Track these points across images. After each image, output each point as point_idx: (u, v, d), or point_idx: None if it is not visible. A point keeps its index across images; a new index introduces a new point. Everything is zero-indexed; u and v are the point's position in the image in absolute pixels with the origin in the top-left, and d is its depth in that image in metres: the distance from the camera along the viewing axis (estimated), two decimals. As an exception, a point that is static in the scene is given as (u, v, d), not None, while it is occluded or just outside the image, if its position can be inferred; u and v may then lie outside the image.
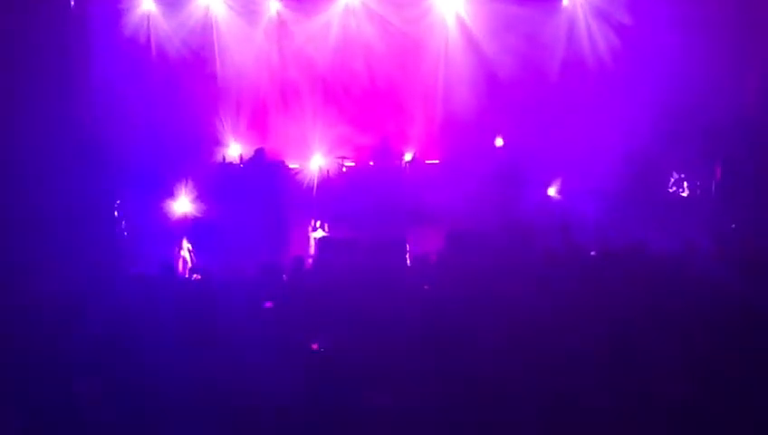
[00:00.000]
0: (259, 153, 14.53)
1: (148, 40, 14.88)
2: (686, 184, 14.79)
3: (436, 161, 15.44)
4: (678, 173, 14.85)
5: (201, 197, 13.73)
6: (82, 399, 6.63)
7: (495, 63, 15.22)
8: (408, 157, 15.28)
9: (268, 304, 8.74)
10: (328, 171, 14.87)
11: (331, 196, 14.62)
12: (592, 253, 11.25)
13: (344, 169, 15.13)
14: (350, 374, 7.17)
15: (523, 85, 15.24)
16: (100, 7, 14.02)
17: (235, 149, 15.25)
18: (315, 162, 15.02)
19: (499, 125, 15.48)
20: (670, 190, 14.91)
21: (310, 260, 12.61)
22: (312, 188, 14.67)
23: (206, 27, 15.09)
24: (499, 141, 15.62)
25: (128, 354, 7.44)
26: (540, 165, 14.76)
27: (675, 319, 7.99)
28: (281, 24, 15.29)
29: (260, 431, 6.04)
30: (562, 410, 6.29)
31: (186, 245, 13.21)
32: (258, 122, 15.44)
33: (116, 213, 13.54)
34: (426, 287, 9.64)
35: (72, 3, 13.49)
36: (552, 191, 14.86)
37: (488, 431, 6.13)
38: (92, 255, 11.52)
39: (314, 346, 7.97)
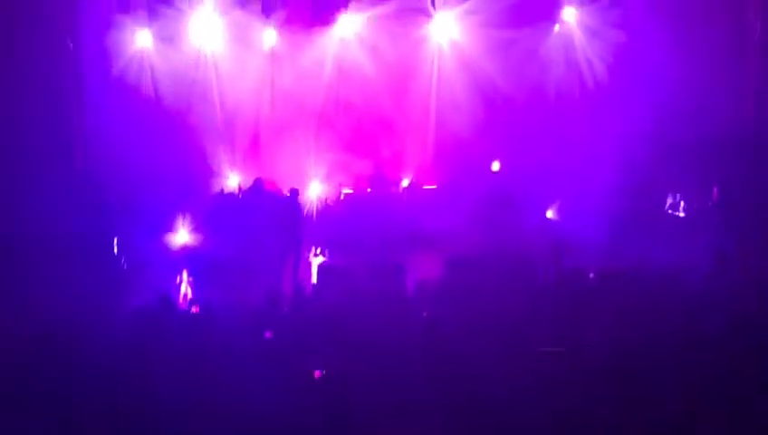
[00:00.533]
0: (257, 183, 14.57)
1: (145, 76, 14.94)
2: (682, 204, 14.81)
3: (434, 187, 15.47)
4: (675, 194, 14.87)
5: (200, 228, 13.75)
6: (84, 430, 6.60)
7: (490, 88, 15.33)
8: (405, 183, 15.32)
9: (268, 335, 8.71)
10: (326, 199, 14.90)
11: (330, 223, 14.62)
12: (591, 275, 11.28)
13: (342, 197, 15.17)
14: (352, 402, 7.16)
15: (518, 108, 15.37)
16: (96, 45, 14.10)
17: (233, 180, 15.30)
18: (313, 190, 15.05)
19: (495, 149, 15.54)
20: (668, 211, 14.93)
21: (309, 287, 12.62)
22: (311, 215, 14.67)
23: (203, 61, 15.16)
24: (495, 166, 15.66)
25: (127, 386, 7.42)
26: (537, 187, 14.81)
27: (674, 340, 7.99)
28: (277, 55, 15.39)
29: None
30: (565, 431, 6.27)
31: (185, 276, 13.21)
32: (256, 152, 15.50)
33: (115, 247, 13.55)
34: (425, 314, 9.63)
35: (70, 44, 13.58)
36: (550, 214, 14.89)
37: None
38: (92, 288, 11.52)
39: (317, 374, 7.96)
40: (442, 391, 7.25)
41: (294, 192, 13.84)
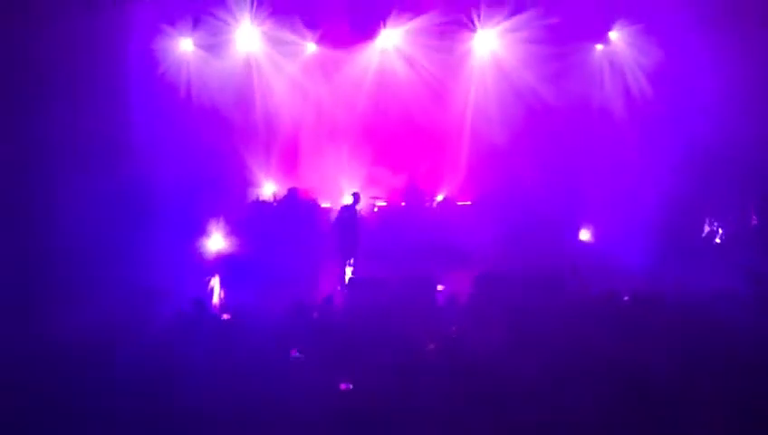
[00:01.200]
0: (292, 192, 14.67)
1: (187, 84, 15.14)
2: (720, 230, 14.60)
3: (468, 203, 15.43)
4: (713, 217, 14.68)
5: (234, 235, 13.87)
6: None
7: (531, 103, 15.26)
8: (439, 198, 15.30)
9: (294, 353, 8.71)
10: (360, 211, 14.92)
11: (363, 235, 14.64)
12: (625, 298, 11.15)
13: (376, 210, 15.19)
14: (377, 416, 7.15)
15: (559, 125, 15.25)
16: (142, 53, 14.32)
17: (269, 188, 15.41)
18: (347, 202, 15.10)
19: (532, 166, 15.46)
20: (706, 236, 14.74)
21: (340, 299, 12.64)
22: (344, 227, 14.70)
23: (245, 69, 15.33)
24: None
25: (160, 390, 7.49)
26: (571, 208, 14.71)
27: (709, 365, 7.87)
28: (318, 66, 15.52)
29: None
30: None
31: (217, 282, 13.32)
32: (292, 162, 15.61)
33: (151, 250, 13.71)
34: (453, 329, 9.60)
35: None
36: (584, 235, 14.78)
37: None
38: (128, 294, 11.67)
39: (343, 386, 7.97)
40: (469, 407, 7.20)
41: (312, 202, 14.01)
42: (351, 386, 8.01)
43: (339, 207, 14.48)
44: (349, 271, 13.99)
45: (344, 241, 13.94)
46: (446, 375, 7.89)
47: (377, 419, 7.14)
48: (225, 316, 11.28)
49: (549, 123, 15.25)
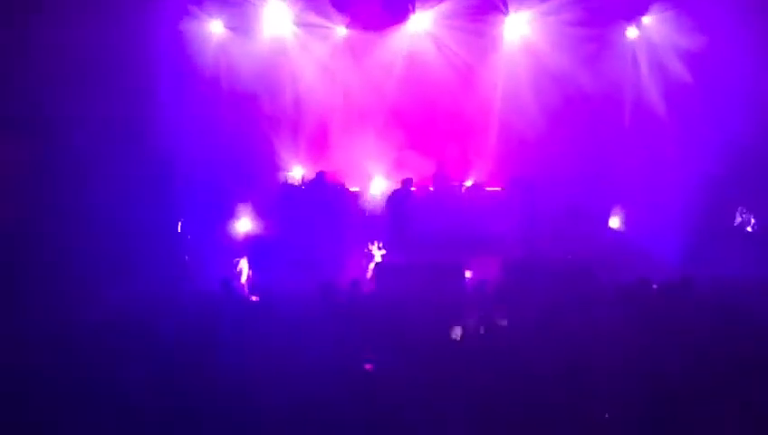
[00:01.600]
0: (320, 176, 14.70)
1: (216, 66, 15.16)
2: (752, 219, 14.42)
3: (498, 188, 15.34)
4: (745, 207, 14.49)
5: (263, 217, 13.94)
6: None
7: (562, 89, 15.08)
8: (468, 183, 15.23)
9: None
10: (388, 196, 14.90)
11: (391, 220, 14.64)
12: (654, 286, 11.06)
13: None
14: (402, 398, 7.18)
15: (592, 111, 15.09)
16: (170, 35, 14.35)
17: (297, 171, 15.45)
18: (376, 186, 15.11)
19: (563, 154, 15.32)
20: (735, 224, 14.56)
21: (367, 283, 12.68)
22: (373, 211, 14.73)
23: (274, 52, 15.31)
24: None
25: (187, 366, 7.57)
26: (603, 195, 14.59)
27: (738, 359, 7.78)
28: (347, 49, 15.47)
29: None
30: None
31: (246, 264, 13.41)
32: (321, 145, 15.60)
33: (180, 230, 13.85)
34: (480, 316, 9.57)
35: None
36: (614, 222, 14.66)
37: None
38: (157, 274, 11.80)
39: (368, 367, 8.00)
40: (492, 394, 7.20)
41: (340, 185, 14.05)
42: (375, 367, 8.03)
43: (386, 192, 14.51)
44: (378, 255, 14.02)
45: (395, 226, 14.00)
46: (471, 361, 7.89)
47: (401, 400, 7.15)
48: (254, 298, 11.37)
49: (581, 109, 15.06)
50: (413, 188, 14.90)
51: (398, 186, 14.69)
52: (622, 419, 6.63)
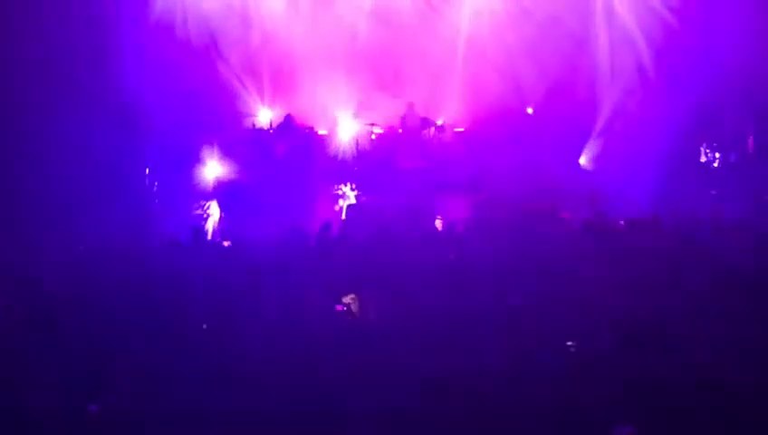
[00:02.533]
0: (288, 119, 14.58)
1: (180, 6, 14.84)
2: (717, 155, 14.62)
3: (462, 129, 15.35)
4: (710, 145, 14.68)
5: (231, 162, 13.85)
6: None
7: (526, 34, 15.04)
8: (438, 122, 15.19)
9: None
10: (357, 138, 14.87)
11: (360, 162, 14.63)
12: (621, 222, 11.23)
13: (373, 137, 15.12)
14: (374, 337, 7.26)
15: (553, 57, 15.07)
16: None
17: (265, 115, 15.30)
18: (345, 129, 15.02)
19: (532, 94, 15.36)
20: (702, 161, 14.77)
21: (337, 226, 12.71)
22: (341, 154, 14.69)
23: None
24: (529, 110, 15.50)
25: (159, 316, 7.57)
26: (571, 134, 14.67)
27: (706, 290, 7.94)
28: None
29: (285, 390, 6.15)
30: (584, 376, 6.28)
31: (216, 210, 13.36)
32: (288, 88, 15.42)
33: (147, 180, 13.73)
34: (451, 257, 9.67)
35: None
36: (583, 160, 14.77)
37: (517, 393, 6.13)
38: (125, 220, 11.72)
39: (339, 308, 8.08)
40: (467, 330, 7.30)
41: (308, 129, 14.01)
42: (346, 308, 8.11)
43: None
44: (346, 199, 14.04)
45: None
46: (445, 299, 7.98)
47: (373, 339, 7.25)
48: (225, 243, 11.37)
49: (547, 49, 15.04)
50: (380, 130, 14.87)
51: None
52: (592, 351, 6.74)
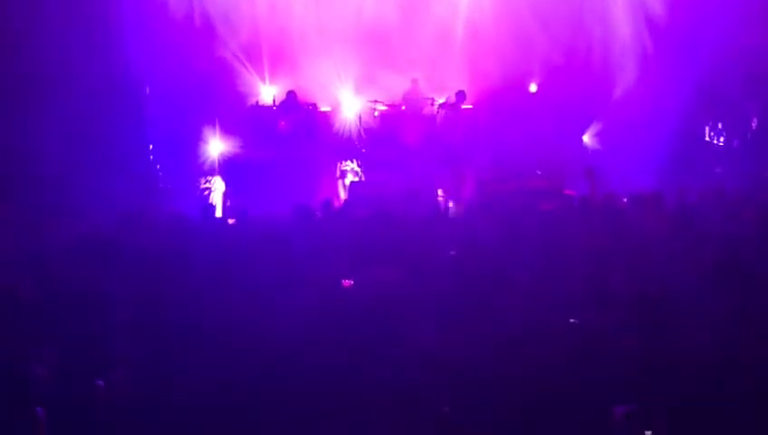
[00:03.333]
0: (290, 96, 14.55)
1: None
2: (721, 133, 14.61)
3: (470, 106, 15.31)
4: (715, 123, 14.65)
5: (235, 140, 13.86)
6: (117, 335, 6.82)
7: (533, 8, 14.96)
8: (440, 100, 15.16)
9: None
10: (360, 116, 14.84)
11: (363, 140, 14.62)
12: (624, 199, 11.25)
13: (376, 114, 15.09)
14: (379, 311, 7.29)
15: (564, 32, 15.01)
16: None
17: (268, 93, 15.26)
18: (348, 106, 14.98)
19: (534, 71, 15.31)
20: (707, 139, 14.76)
21: (341, 203, 12.75)
22: (345, 132, 14.67)
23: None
24: (533, 87, 15.46)
25: (163, 293, 7.61)
26: (575, 111, 14.64)
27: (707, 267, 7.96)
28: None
29: (289, 364, 6.19)
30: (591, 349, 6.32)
31: (220, 187, 13.39)
32: (292, 65, 15.36)
33: (151, 156, 13.75)
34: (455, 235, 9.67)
35: None
36: (586, 138, 14.75)
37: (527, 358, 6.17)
38: (128, 197, 11.76)
39: (345, 283, 8.11)
40: (468, 303, 7.35)
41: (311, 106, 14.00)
42: (353, 282, 8.13)
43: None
44: (350, 177, 14.06)
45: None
46: (449, 276, 8.02)
47: (379, 310, 7.29)
48: (230, 221, 11.41)
49: (557, 26, 14.98)
50: (383, 107, 14.84)
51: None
52: (593, 328, 6.76)
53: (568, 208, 11.12)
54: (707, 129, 14.81)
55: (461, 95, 14.49)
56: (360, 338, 6.58)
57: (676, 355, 6.04)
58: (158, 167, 13.85)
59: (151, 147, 13.84)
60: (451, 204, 12.63)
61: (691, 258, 8.11)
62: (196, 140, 13.89)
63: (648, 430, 5.30)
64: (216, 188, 13.38)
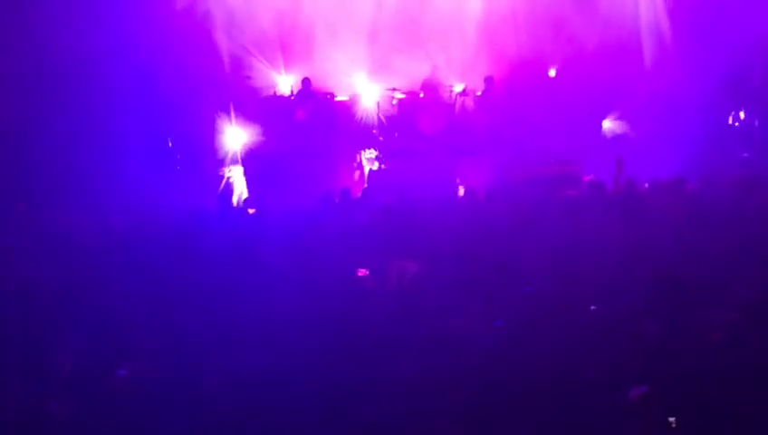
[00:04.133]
0: (306, 83, 14.54)
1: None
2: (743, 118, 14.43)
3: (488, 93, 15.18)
4: (737, 107, 14.47)
5: (253, 130, 13.87)
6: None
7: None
8: (458, 88, 15.08)
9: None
10: (378, 103, 14.80)
11: (381, 128, 14.58)
12: (645, 185, 11.15)
13: (394, 102, 15.04)
14: (398, 301, 7.30)
15: (583, 17, 14.87)
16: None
17: (285, 82, 15.25)
18: (366, 94, 14.94)
19: (554, 56, 15.18)
20: (729, 123, 14.58)
21: (359, 192, 12.75)
22: (362, 120, 14.64)
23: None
24: (552, 72, 15.34)
25: (183, 282, 7.66)
26: (595, 97, 14.50)
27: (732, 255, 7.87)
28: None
29: (307, 352, 6.21)
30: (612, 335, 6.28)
31: (240, 177, 13.41)
32: (309, 53, 15.33)
33: (170, 145, 13.81)
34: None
35: None
36: (606, 124, 14.61)
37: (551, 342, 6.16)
38: (147, 186, 11.83)
39: (361, 272, 8.12)
40: (489, 292, 7.33)
41: (328, 95, 13.94)
42: (369, 272, 8.14)
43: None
44: (368, 166, 14.03)
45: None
46: (467, 264, 8.00)
47: (399, 300, 7.28)
48: (250, 211, 11.44)
49: (574, 12, 14.84)
50: (401, 95, 14.78)
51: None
52: (614, 313, 6.71)
53: (588, 195, 11.02)
54: (731, 115, 14.62)
55: (489, 81, 14.36)
56: (380, 329, 6.59)
57: (697, 340, 6.00)
58: (178, 158, 13.88)
59: (170, 142, 13.90)
60: (467, 190, 12.56)
61: (713, 244, 8.01)
62: (214, 132, 13.91)
63: (665, 411, 5.24)
64: (236, 179, 13.39)
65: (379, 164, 13.95)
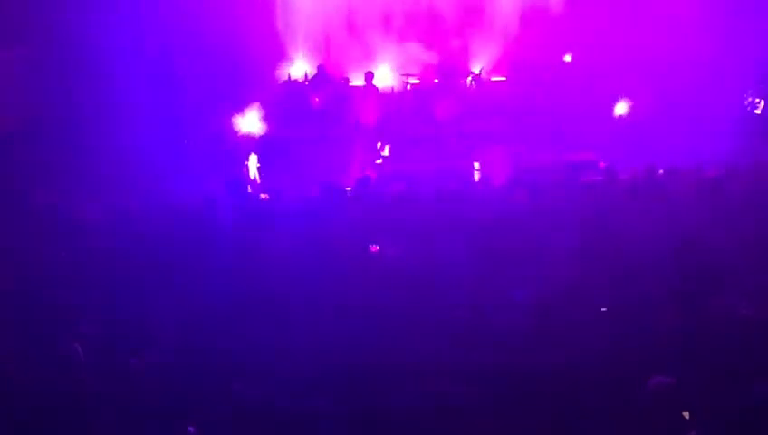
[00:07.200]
0: (321, 70, 14.47)
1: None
2: (760, 102, 14.25)
3: (503, 78, 15.12)
4: (754, 91, 14.31)
5: (268, 115, 13.82)
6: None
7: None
8: (475, 71, 14.97)
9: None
10: (392, 89, 14.72)
11: (396, 114, 14.50)
12: (660, 171, 11.03)
13: (408, 88, 14.96)
14: (410, 281, 7.28)
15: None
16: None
17: (300, 68, 15.19)
18: (380, 80, 14.86)
19: (570, 41, 15.05)
20: (747, 108, 14.42)
21: (373, 179, 12.69)
22: (377, 106, 14.56)
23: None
24: (568, 57, 15.21)
25: (198, 267, 7.66)
26: (610, 81, 14.37)
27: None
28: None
29: (320, 331, 6.21)
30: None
31: (254, 163, 13.39)
32: (324, 39, 15.27)
33: (182, 132, 13.80)
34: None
35: None
36: (619, 109, 14.47)
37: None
38: (162, 172, 11.83)
39: (373, 248, 8.11)
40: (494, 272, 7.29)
41: (343, 80, 13.78)
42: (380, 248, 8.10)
43: None
44: (383, 152, 13.97)
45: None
46: (480, 246, 7.96)
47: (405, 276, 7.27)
48: (264, 196, 11.41)
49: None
50: (416, 81, 14.69)
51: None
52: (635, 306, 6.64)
53: (605, 181, 10.91)
54: (747, 97, 14.46)
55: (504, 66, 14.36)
56: (390, 314, 6.56)
57: (716, 330, 5.93)
58: (191, 144, 13.86)
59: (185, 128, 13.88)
60: (483, 177, 12.49)
61: (731, 232, 7.93)
62: (229, 116, 13.88)
63: (681, 401, 5.18)
64: (251, 165, 13.36)
65: (393, 150, 13.88)
